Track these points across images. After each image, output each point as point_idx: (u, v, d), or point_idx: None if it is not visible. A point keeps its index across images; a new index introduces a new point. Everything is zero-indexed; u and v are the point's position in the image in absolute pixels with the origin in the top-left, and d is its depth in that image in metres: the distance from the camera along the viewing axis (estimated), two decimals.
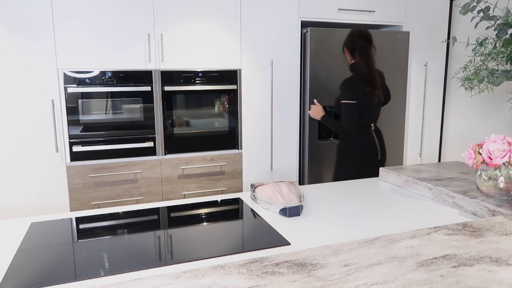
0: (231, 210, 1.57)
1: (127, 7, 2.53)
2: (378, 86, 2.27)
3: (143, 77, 2.62)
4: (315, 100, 2.47)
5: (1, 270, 1.09)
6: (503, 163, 1.39)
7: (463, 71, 2.15)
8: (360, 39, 2.25)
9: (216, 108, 2.83)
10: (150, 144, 2.69)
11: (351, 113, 2.20)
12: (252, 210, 1.56)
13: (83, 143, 2.56)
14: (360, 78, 2.24)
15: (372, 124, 2.34)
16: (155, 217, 1.51)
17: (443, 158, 3.60)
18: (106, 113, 2.58)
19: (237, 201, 1.67)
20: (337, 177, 2.38)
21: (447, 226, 1.18)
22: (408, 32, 3.18)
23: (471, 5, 1.97)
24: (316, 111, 2.43)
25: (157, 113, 2.68)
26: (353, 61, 2.30)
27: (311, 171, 3.08)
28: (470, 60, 2.11)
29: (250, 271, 0.91)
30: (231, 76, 2.82)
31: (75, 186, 2.57)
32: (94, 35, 2.49)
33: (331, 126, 2.36)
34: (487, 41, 2.01)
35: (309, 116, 3.00)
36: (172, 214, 1.53)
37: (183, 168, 2.79)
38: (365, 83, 2.23)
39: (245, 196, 1.73)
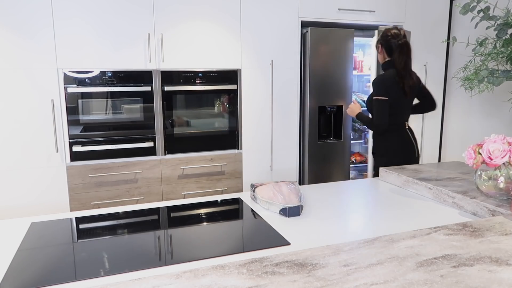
0: (231, 210, 1.57)
1: (127, 6, 2.53)
2: (414, 84, 2.27)
3: (143, 77, 2.62)
4: (353, 99, 2.47)
5: (1, 270, 1.09)
6: (503, 163, 1.38)
7: (463, 71, 2.15)
8: (398, 37, 2.24)
9: (216, 108, 2.83)
10: (150, 144, 2.68)
11: (382, 109, 2.21)
12: (252, 210, 1.56)
13: (83, 143, 2.56)
14: (396, 76, 2.23)
15: (406, 122, 2.35)
16: (155, 217, 1.51)
17: (443, 158, 3.60)
18: (106, 113, 2.58)
19: (237, 201, 1.67)
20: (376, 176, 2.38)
21: (447, 226, 1.18)
22: (409, 32, 3.17)
23: (471, 5, 1.97)
24: (353, 109, 2.43)
25: (157, 113, 2.68)
26: (387, 59, 2.29)
27: (311, 171, 3.08)
28: (470, 60, 2.10)
29: (250, 271, 0.91)
30: (231, 76, 2.82)
31: (75, 186, 2.57)
32: (94, 34, 2.49)
33: (364, 122, 2.38)
34: (487, 41, 2.01)
35: (310, 116, 3.01)
36: (172, 214, 1.53)
37: (183, 168, 2.79)
38: (401, 80, 2.23)
39: (245, 196, 1.73)
